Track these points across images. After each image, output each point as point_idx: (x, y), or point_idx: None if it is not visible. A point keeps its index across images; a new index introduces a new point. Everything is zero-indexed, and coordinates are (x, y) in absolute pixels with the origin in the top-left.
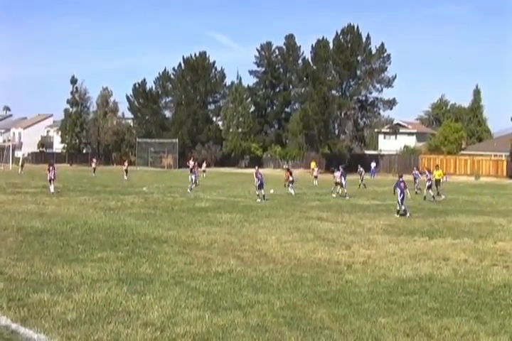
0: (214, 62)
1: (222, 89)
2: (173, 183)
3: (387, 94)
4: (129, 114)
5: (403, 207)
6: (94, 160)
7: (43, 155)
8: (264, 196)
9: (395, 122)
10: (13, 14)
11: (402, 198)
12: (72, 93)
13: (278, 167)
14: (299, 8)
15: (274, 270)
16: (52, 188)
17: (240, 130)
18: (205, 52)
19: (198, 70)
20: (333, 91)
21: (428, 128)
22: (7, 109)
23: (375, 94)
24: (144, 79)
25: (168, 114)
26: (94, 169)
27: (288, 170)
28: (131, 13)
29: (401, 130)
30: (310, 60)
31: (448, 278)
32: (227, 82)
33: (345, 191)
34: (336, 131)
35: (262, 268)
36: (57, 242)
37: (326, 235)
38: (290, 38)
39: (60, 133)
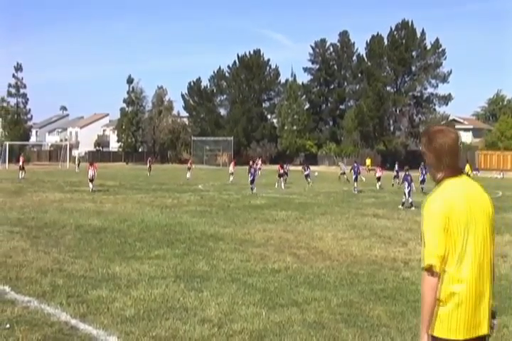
0: (268, 60)
1: (276, 87)
2: (229, 181)
3: (442, 89)
4: (184, 113)
5: (410, 200)
6: (150, 159)
7: (100, 154)
8: (252, 189)
9: (450, 118)
10: (71, 15)
11: (410, 191)
12: (128, 92)
13: (333, 164)
14: (353, 5)
15: (331, 267)
16: (91, 186)
17: (294, 127)
18: (259, 50)
19: (252, 68)
20: (388, 88)
21: (484, 124)
22: (64, 108)
23: (430, 89)
24: (199, 78)
25: (223, 112)
26: (150, 169)
27: (280, 164)
28: (187, 12)
29: (457, 126)
30: (364, 56)
31: (506, 276)
32: (282, 79)
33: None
34: (391, 128)
35: (319, 265)
36: (114, 240)
37: (382, 232)
38: (344, 35)
39: (116, 132)
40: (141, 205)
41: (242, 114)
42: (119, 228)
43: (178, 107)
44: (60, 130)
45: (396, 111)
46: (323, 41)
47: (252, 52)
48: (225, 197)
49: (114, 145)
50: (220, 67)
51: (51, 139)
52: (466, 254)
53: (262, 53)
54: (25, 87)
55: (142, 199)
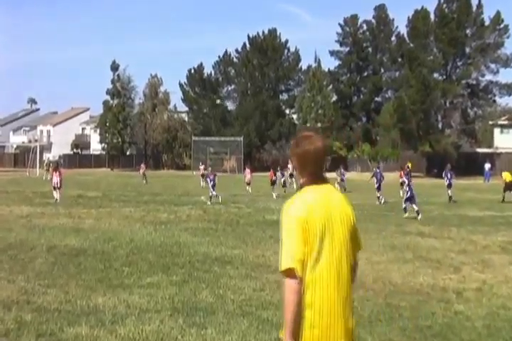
0: (287, 42)
1: (296, 75)
2: (238, 191)
3: (504, 76)
4: (182, 107)
5: (416, 207)
6: (142, 165)
7: (78, 158)
8: (210, 198)
9: None
10: None
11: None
12: (112, 81)
13: (367, 170)
14: None
15: (365, 298)
16: (56, 195)
17: (319, 125)
18: (275, 30)
19: (266, 52)
20: (436, 75)
21: None
22: (33, 101)
23: (489, 76)
24: (201, 64)
25: (230, 106)
26: (144, 175)
27: (272, 169)
28: None
29: None
30: (406, 36)
31: None
32: (303, 65)
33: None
34: (440, 125)
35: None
36: (97, 264)
37: (429, 254)
38: (381, 10)
39: (98, 130)
40: (130, 221)
41: (254, 109)
42: (102, 249)
43: (176, 100)
44: (27, 128)
45: (446, 103)
46: (354, 18)
47: (266, 32)
48: (234, 210)
49: (95, 147)
50: (226, 51)
51: (16, 139)
52: (321, 261)
53: (278, 33)
54: None
55: (131, 213)
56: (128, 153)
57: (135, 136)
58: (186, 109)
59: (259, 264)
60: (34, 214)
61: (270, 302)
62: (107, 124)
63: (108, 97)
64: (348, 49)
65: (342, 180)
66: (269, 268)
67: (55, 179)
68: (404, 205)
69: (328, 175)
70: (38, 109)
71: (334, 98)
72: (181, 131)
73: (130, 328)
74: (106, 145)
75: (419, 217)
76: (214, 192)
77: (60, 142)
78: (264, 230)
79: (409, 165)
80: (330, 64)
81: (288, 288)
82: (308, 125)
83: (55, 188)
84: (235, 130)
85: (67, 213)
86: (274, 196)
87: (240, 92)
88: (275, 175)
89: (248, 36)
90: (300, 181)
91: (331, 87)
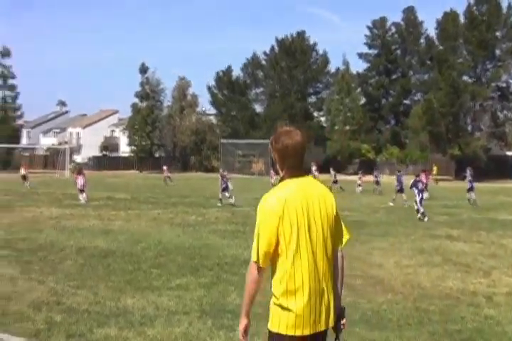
0: (315, 44)
1: (325, 78)
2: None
3: None
4: (211, 109)
5: (421, 209)
6: (165, 167)
7: (107, 160)
8: (220, 200)
9: None
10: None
11: (421, 199)
12: (141, 84)
13: (394, 173)
14: None
15: (394, 301)
16: (82, 198)
17: (347, 127)
18: (303, 32)
19: (295, 54)
20: (465, 77)
21: None
22: (63, 104)
23: None
24: (229, 67)
25: (258, 108)
26: (167, 178)
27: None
28: None
29: None
30: (435, 38)
31: None
32: (332, 68)
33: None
34: (469, 127)
35: (378, 298)
36: (125, 266)
37: (458, 258)
38: (410, 12)
39: (127, 133)
40: (158, 223)
41: (282, 111)
42: (131, 251)
43: (204, 103)
44: (57, 130)
45: (475, 106)
46: (383, 20)
47: (294, 35)
48: None
49: (124, 150)
50: (254, 54)
51: (46, 141)
52: (300, 252)
53: (307, 36)
54: (14, 77)
55: (159, 215)
56: (156, 155)
57: (163, 138)
58: (214, 111)
59: None
60: (64, 215)
61: None
62: (136, 127)
63: (137, 100)
64: (376, 51)
65: (377, 183)
66: None
67: (80, 181)
68: (422, 209)
69: (352, 178)
70: (67, 111)
71: (363, 101)
72: (209, 134)
73: (159, 330)
74: (134, 148)
75: (419, 215)
76: (221, 195)
77: (90, 144)
78: None
79: (435, 168)
80: (358, 66)
81: (250, 277)
82: (336, 128)
83: (81, 190)
84: (263, 132)
85: (97, 215)
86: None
87: (268, 95)
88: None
89: (276, 39)
90: (280, 175)
91: (359, 89)
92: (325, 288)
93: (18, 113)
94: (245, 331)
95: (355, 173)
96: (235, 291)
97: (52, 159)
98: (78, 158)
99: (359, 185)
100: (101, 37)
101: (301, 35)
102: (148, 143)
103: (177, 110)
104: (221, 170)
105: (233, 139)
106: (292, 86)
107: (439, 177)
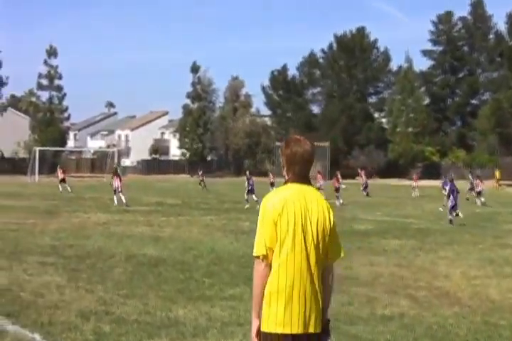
0: (376, 41)
1: (386, 76)
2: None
3: None
4: (265, 110)
5: (450, 216)
6: (200, 172)
7: (157, 164)
8: (247, 200)
9: None
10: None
11: (454, 205)
12: (193, 84)
13: (462, 177)
14: None
15: (460, 315)
16: (117, 200)
17: (410, 129)
18: (363, 28)
19: (354, 52)
20: None
21: None
22: (111, 105)
23: None
24: (285, 66)
25: (315, 109)
26: (201, 182)
27: (336, 177)
28: None
29: None
30: (505, 33)
31: None
32: (393, 66)
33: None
34: None
35: (444, 312)
36: (177, 274)
37: None
38: (478, 5)
39: (177, 135)
40: (211, 230)
41: (340, 112)
42: (182, 259)
43: (258, 103)
44: (105, 133)
45: None
46: (449, 14)
47: (353, 31)
48: None
49: (175, 153)
50: (311, 52)
51: (94, 144)
52: (291, 254)
53: (367, 32)
54: (60, 77)
55: (212, 222)
56: (208, 158)
57: (216, 140)
58: (269, 112)
59: (347, 277)
60: (112, 221)
61: (359, 317)
62: (187, 129)
63: (188, 101)
64: (441, 48)
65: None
66: (357, 281)
67: (116, 183)
68: (450, 217)
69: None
70: (115, 113)
71: (426, 101)
72: (264, 136)
73: None
74: (186, 151)
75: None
76: (247, 196)
77: (139, 147)
78: (352, 241)
79: (498, 173)
80: (422, 64)
81: (256, 273)
82: (399, 129)
83: (115, 192)
84: (321, 135)
85: (146, 221)
86: (338, 203)
87: (326, 95)
88: (339, 182)
89: (335, 35)
90: (285, 178)
91: (423, 89)
92: (315, 292)
93: (65, 114)
94: (258, 332)
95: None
96: None
97: (99, 163)
98: (127, 162)
99: (414, 188)
100: (151, 36)
101: (360, 31)
102: (200, 146)
103: (230, 111)
104: (247, 173)
105: None
106: (351, 85)
107: (503, 182)
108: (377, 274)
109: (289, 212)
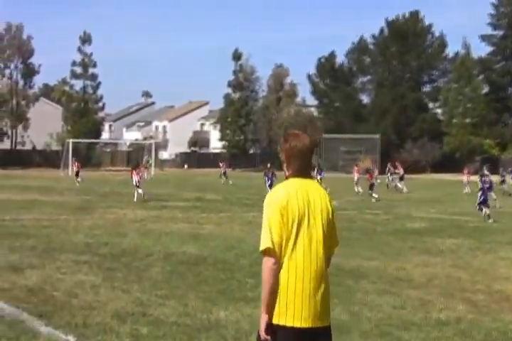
0: (430, 26)
1: (441, 64)
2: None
3: None
4: (311, 100)
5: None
6: (222, 164)
7: (196, 157)
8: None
9: None
10: None
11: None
12: (235, 73)
13: None
14: None
15: None
16: (136, 194)
17: (467, 120)
18: (417, 12)
19: (407, 38)
20: None
21: None
22: (147, 95)
23: None
24: (333, 52)
25: (365, 99)
26: (225, 175)
27: (368, 171)
28: None
29: None
30: None
31: None
32: (450, 53)
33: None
34: None
35: (505, 317)
36: (218, 274)
37: None
38: None
39: (218, 126)
40: (254, 227)
41: (391, 102)
42: (223, 258)
43: (304, 93)
44: (141, 124)
45: None
46: None
47: (406, 16)
48: (369, 217)
49: (215, 145)
50: (361, 38)
51: (130, 136)
52: (297, 248)
53: (421, 16)
54: (95, 65)
55: (255, 218)
56: (251, 151)
57: (258, 132)
58: (315, 102)
59: (399, 278)
60: (149, 218)
61: (412, 321)
62: (228, 120)
63: (229, 90)
64: (502, 32)
65: (503, 182)
66: (410, 283)
67: (136, 178)
68: (484, 211)
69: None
70: (153, 103)
71: (485, 89)
72: (310, 128)
73: None
74: (227, 143)
75: (490, 220)
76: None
77: (177, 139)
78: (405, 240)
79: None
80: (481, 50)
81: (265, 268)
82: (455, 121)
83: (137, 186)
84: (371, 126)
85: (185, 217)
86: (374, 200)
87: (376, 83)
88: (372, 177)
89: (386, 20)
90: (286, 173)
91: (481, 77)
92: (325, 284)
93: (100, 104)
94: (267, 327)
95: (476, 173)
96: (339, 305)
97: (135, 155)
98: (164, 154)
99: (466, 184)
100: (190, 24)
101: (414, 15)
102: (242, 138)
103: (273, 101)
104: (268, 166)
105: (336, 134)
106: (404, 73)
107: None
108: (431, 276)
109: (293, 206)
